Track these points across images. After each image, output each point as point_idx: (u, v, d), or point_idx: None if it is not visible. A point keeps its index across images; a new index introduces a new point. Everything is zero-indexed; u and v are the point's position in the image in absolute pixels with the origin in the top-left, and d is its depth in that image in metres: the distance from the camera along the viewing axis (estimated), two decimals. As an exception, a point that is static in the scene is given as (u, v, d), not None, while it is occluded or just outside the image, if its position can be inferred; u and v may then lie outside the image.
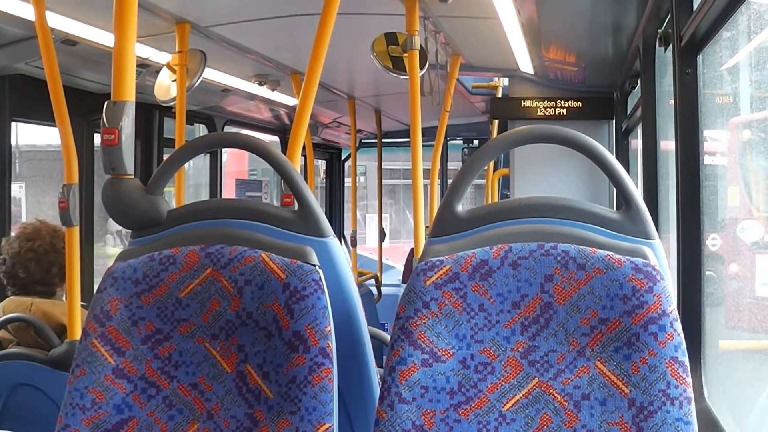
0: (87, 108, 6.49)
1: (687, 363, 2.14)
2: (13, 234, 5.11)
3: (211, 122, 8.79)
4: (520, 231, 2.37)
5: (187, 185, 5.50)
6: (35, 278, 4.80)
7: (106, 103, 2.72)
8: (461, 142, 13.03)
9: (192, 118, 8.22)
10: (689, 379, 2.13)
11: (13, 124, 6.05)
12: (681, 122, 4.04)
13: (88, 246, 6.85)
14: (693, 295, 3.96)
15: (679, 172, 4.05)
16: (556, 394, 2.19)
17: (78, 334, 4.27)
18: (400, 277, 11.61)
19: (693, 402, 2.13)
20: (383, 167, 10.88)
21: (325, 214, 2.70)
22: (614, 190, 2.75)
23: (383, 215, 10.84)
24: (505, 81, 9.14)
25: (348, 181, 12.90)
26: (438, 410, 2.21)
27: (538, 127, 2.52)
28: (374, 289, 10.04)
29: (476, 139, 12.66)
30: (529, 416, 2.19)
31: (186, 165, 4.43)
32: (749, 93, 4.23)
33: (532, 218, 2.44)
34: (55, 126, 4.42)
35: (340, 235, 12.12)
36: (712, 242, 4.18)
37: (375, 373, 2.74)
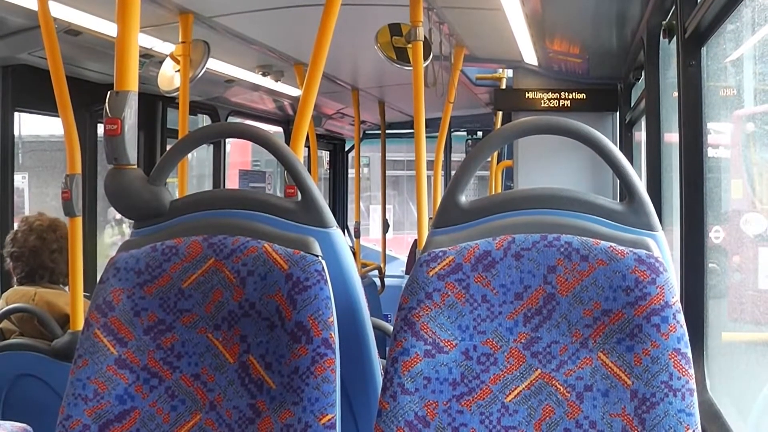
0: (90, 98, 6.49)
1: (689, 354, 2.14)
2: (17, 226, 5.10)
3: (214, 113, 8.79)
4: (524, 222, 2.37)
5: (190, 176, 5.50)
6: (61, 269, 4.83)
7: (109, 92, 2.72)
8: (465, 133, 13.04)
9: (195, 108, 8.23)
10: (692, 371, 2.13)
11: (16, 114, 6.05)
12: (685, 114, 4.04)
13: (91, 236, 6.85)
14: (696, 287, 3.96)
15: (683, 165, 4.05)
16: (558, 386, 2.19)
17: (81, 325, 4.27)
18: (403, 269, 11.60)
19: (695, 393, 2.13)
20: (387, 158, 10.87)
21: (329, 206, 2.70)
22: (618, 181, 2.75)
23: (387, 206, 10.83)
24: (509, 72, 9.13)
25: (351, 172, 12.89)
26: (440, 401, 2.21)
27: (542, 118, 2.52)
28: (377, 281, 10.04)
29: (480, 130, 12.66)
30: (531, 407, 2.19)
31: (189, 156, 4.42)
32: (753, 86, 4.22)
33: (536, 209, 2.43)
34: (58, 116, 4.42)
35: (343, 226, 12.12)
36: (714, 235, 4.18)
37: (377, 364, 2.74)
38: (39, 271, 4.83)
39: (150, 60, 6.16)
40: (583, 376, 2.18)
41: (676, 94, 4.32)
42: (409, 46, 5.31)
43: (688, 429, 2.09)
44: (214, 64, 6.66)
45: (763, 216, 4.15)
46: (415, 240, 7.88)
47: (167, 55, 5.81)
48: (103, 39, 5.47)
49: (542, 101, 8.54)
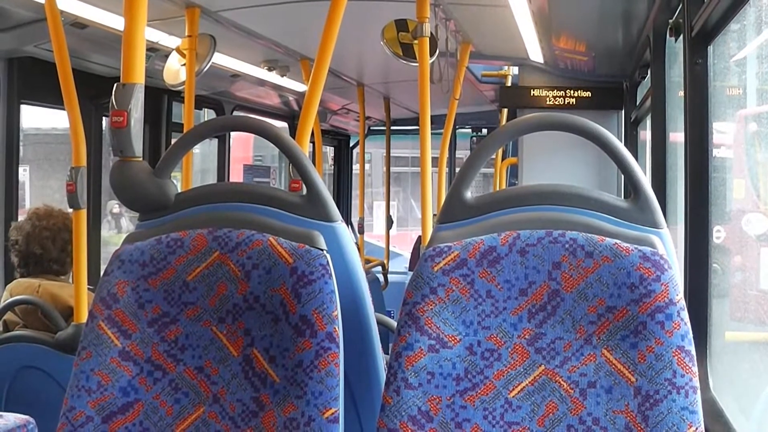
0: (96, 91, 6.50)
1: (693, 352, 2.14)
2: (21, 218, 5.13)
3: (219, 107, 8.80)
4: (529, 218, 2.37)
5: (194, 171, 5.51)
6: (51, 255, 4.83)
7: (115, 85, 2.72)
8: (470, 130, 13.03)
9: (201, 103, 8.24)
10: (695, 369, 2.13)
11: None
12: (690, 113, 4.03)
13: (95, 229, 6.85)
14: (700, 286, 3.96)
15: (688, 163, 4.05)
16: (562, 382, 2.19)
17: (85, 317, 4.28)
18: (407, 265, 11.61)
19: (699, 391, 2.13)
20: (391, 155, 10.88)
21: (333, 201, 2.69)
22: (623, 178, 2.75)
23: (390, 203, 10.84)
24: (515, 70, 9.14)
25: (355, 168, 12.89)
26: (444, 396, 2.21)
27: (547, 115, 2.51)
28: (381, 277, 10.04)
29: (485, 127, 12.65)
30: (534, 403, 2.20)
31: (193, 150, 4.41)
32: (756, 86, 4.22)
33: (541, 206, 2.43)
34: (62, 109, 4.42)
35: (347, 222, 12.11)
36: (716, 234, 4.17)
37: (381, 358, 2.74)
38: (29, 257, 4.84)
39: (156, 54, 6.16)
40: (586, 373, 2.19)
41: (681, 92, 4.32)
42: (415, 42, 5.31)
43: (691, 426, 2.09)
44: (219, 59, 6.66)
45: (766, 216, 4.14)
46: (419, 236, 7.88)
47: (173, 49, 5.81)
48: (110, 32, 5.47)
49: (547, 99, 8.54)
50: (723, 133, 4.37)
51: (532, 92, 8.57)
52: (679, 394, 2.11)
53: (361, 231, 10.09)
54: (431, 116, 5.13)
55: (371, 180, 18.74)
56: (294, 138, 3.35)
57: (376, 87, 9.60)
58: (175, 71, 5.79)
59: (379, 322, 3.10)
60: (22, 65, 5.88)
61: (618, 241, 2.23)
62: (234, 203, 2.65)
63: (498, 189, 10.01)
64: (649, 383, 2.13)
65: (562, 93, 8.53)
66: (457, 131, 12.03)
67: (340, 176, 12.85)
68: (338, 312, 2.33)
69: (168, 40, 6.06)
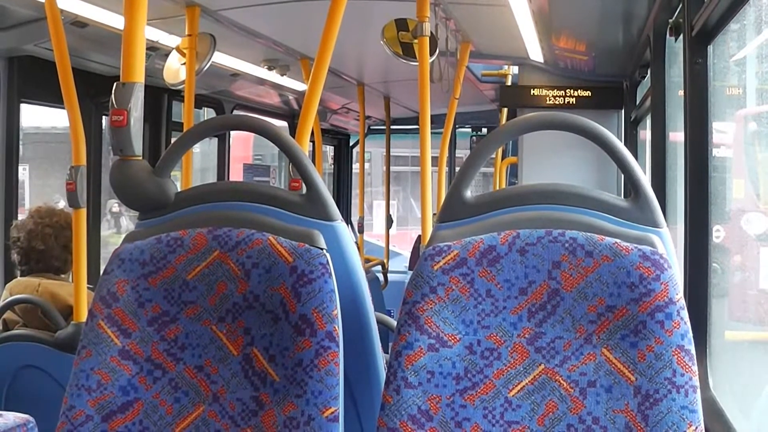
0: (95, 90, 6.50)
1: (693, 351, 2.14)
2: (20, 218, 5.14)
3: (219, 106, 8.80)
4: (529, 217, 2.37)
5: (194, 170, 5.51)
6: (53, 252, 4.84)
7: (115, 84, 2.72)
8: (470, 129, 13.03)
9: (201, 102, 8.24)
10: (695, 368, 2.13)
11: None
12: (690, 112, 4.03)
13: (95, 228, 6.86)
14: (699, 285, 3.96)
15: (688, 163, 4.04)
16: (562, 381, 2.19)
17: (84, 316, 4.28)
18: (407, 264, 11.60)
19: (699, 390, 2.13)
20: (391, 154, 10.88)
21: (333, 200, 2.69)
22: (623, 178, 2.75)
23: (390, 202, 10.84)
24: (515, 69, 9.13)
25: (355, 167, 12.89)
26: (444, 395, 2.21)
27: (547, 114, 2.51)
28: (381, 276, 10.04)
29: (485, 127, 12.65)
30: (534, 402, 2.19)
31: (193, 149, 4.41)
32: (756, 85, 4.22)
33: (541, 205, 2.43)
34: (62, 108, 4.43)
35: (347, 221, 12.11)
36: (716, 234, 4.17)
37: (381, 357, 2.74)
38: (31, 254, 4.84)
39: (156, 53, 6.16)
40: (586, 372, 2.18)
41: (681, 92, 4.32)
42: (415, 41, 5.31)
43: (690, 425, 2.09)
44: (219, 58, 6.67)
45: (766, 216, 4.14)
46: (419, 236, 7.88)
47: (173, 48, 5.82)
48: (110, 31, 5.47)
49: (547, 98, 8.53)
50: (723, 133, 4.37)
51: (532, 92, 8.57)
52: (679, 393, 2.10)
53: (361, 230, 10.09)
54: (431, 115, 5.13)
55: (371, 179, 18.74)
56: (294, 137, 3.35)
57: (376, 86, 9.60)
58: (175, 70, 5.80)
59: (379, 322, 3.10)
60: (22, 64, 5.88)
61: (618, 241, 2.23)
62: (234, 202, 2.65)
63: (498, 188, 10.02)
64: (648, 382, 2.12)
65: (562, 92, 8.53)
66: (457, 131, 12.03)
67: (340, 175, 12.85)
68: (338, 311, 2.33)
69: (168, 39, 6.06)
